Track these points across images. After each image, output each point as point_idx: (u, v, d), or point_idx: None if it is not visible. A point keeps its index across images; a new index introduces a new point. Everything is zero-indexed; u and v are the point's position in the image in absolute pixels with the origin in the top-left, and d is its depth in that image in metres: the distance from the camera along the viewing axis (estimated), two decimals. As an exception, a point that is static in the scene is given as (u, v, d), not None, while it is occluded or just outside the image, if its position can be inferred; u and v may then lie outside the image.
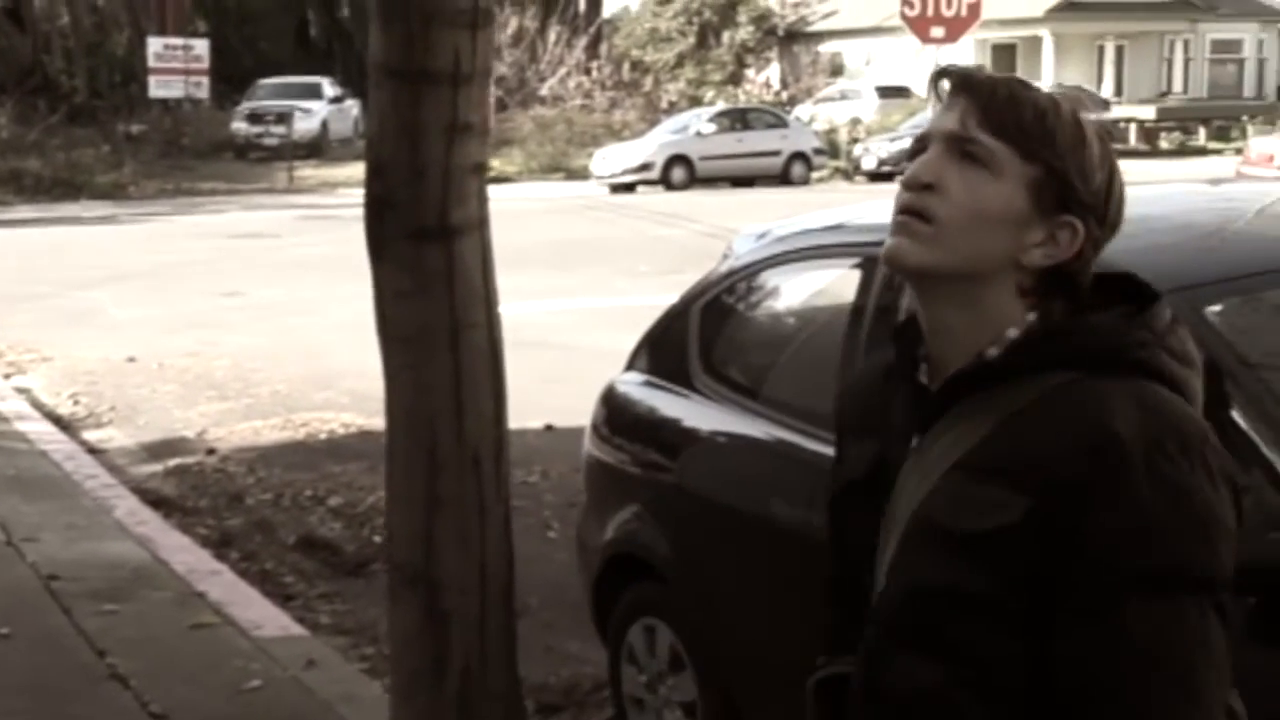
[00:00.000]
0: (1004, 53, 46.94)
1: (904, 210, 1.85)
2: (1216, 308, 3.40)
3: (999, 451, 1.79)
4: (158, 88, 37.66)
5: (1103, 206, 1.86)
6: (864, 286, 4.13)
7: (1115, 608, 1.71)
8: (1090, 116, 1.88)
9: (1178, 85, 48.89)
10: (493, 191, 4.18)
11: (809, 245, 4.64)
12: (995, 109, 1.83)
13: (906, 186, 1.85)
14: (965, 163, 1.83)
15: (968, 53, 41.01)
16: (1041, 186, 1.82)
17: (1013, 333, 1.84)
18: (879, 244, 4.06)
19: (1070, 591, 1.73)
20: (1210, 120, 43.14)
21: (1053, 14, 45.64)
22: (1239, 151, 30.12)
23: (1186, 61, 49.18)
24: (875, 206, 5.25)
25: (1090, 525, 1.72)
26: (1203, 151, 38.97)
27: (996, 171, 1.82)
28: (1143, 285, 1.89)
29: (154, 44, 38.06)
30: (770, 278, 4.83)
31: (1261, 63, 49.74)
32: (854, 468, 2.00)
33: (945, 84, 1.89)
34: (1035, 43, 45.94)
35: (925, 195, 1.83)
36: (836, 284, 4.50)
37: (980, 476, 1.79)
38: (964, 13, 20.47)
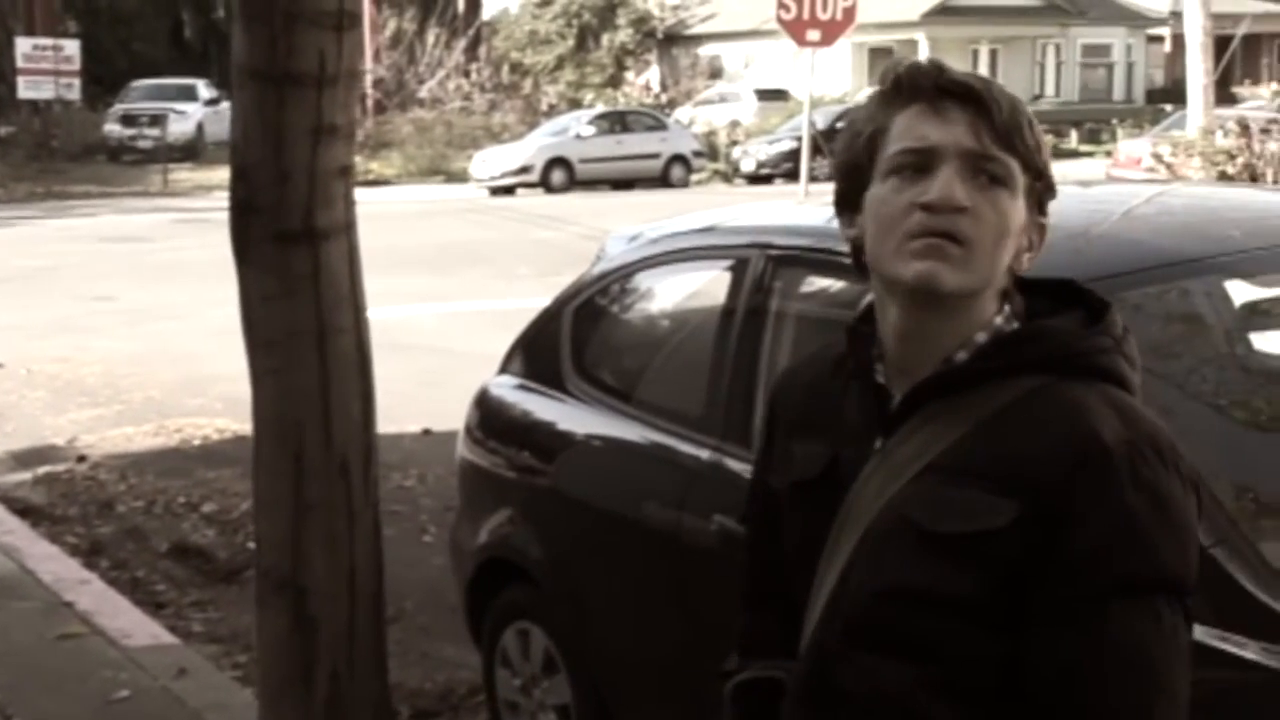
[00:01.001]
0: (880, 56, 47.35)
1: (934, 233, 1.80)
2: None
3: (979, 454, 1.80)
4: (27, 89, 36.89)
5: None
6: (735, 288, 4.14)
7: (1098, 611, 1.74)
8: None
9: (1050, 89, 49.67)
10: (371, 194, 4.16)
11: (681, 247, 4.65)
12: (1004, 123, 1.82)
13: (935, 209, 1.80)
14: (985, 181, 1.82)
15: (844, 56, 41.45)
16: (1032, 193, 1.87)
17: (981, 337, 1.86)
18: (750, 246, 4.14)
19: (1050, 594, 1.75)
20: (1081, 123, 43.86)
21: (928, 18, 46.19)
22: (1109, 154, 30.65)
23: (1058, 65, 50.00)
24: (746, 208, 5.27)
25: (1075, 530, 1.75)
26: (1074, 154, 39.57)
27: (1011, 188, 1.83)
28: (1085, 290, 1.94)
29: (22, 44, 37.27)
30: (643, 280, 4.83)
31: (1130, 67, 50.67)
32: (805, 468, 1.98)
33: (919, 86, 1.85)
34: (911, 46, 46.40)
35: (959, 219, 1.80)
36: (708, 286, 4.51)
37: (959, 479, 1.80)
38: (839, 16, 20.58)
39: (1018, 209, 1.84)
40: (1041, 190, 1.88)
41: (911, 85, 1.86)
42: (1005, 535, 1.76)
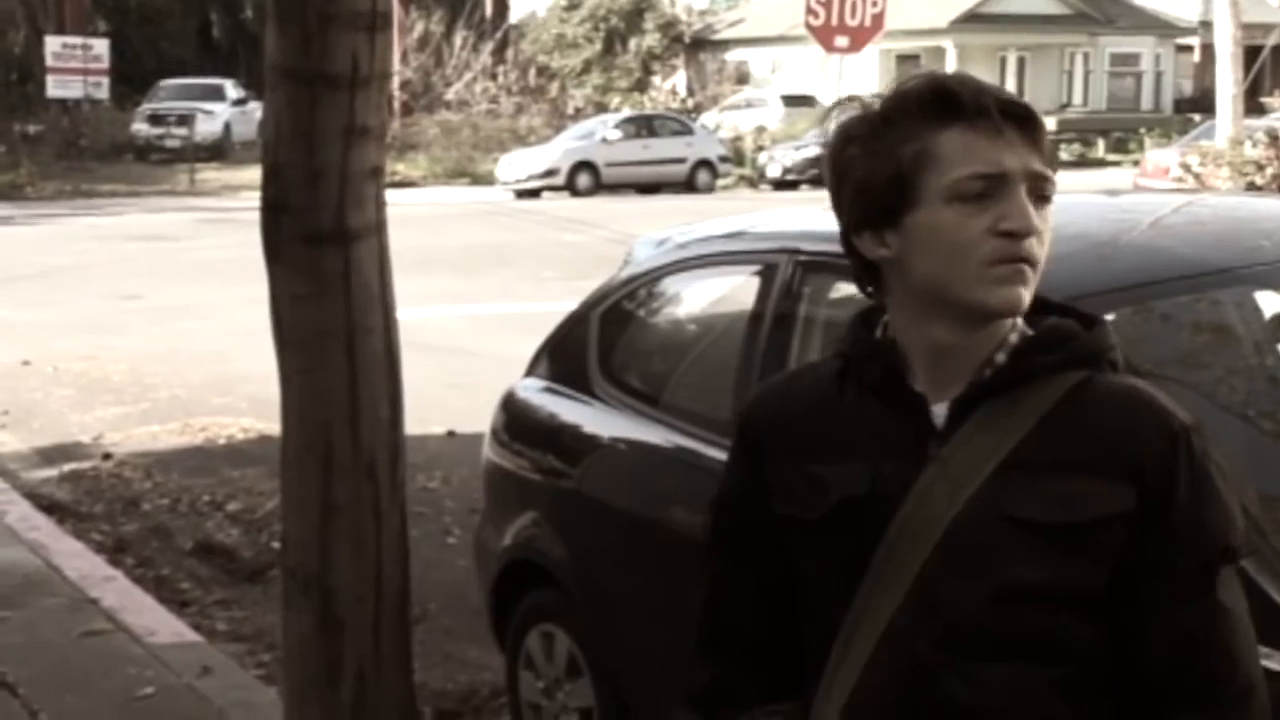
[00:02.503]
0: (908, 63, 47.24)
1: (1016, 259, 1.83)
2: (1109, 316, 3.44)
3: (1069, 445, 1.85)
4: (56, 87, 37.09)
5: None
6: (763, 294, 4.14)
7: (1209, 580, 1.85)
8: None
9: (1077, 97, 49.53)
10: (397, 196, 4.16)
11: (709, 252, 4.66)
12: (1044, 140, 1.87)
13: (1022, 235, 1.82)
14: (1041, 202, 1.85)
15: (872, 63, 41.36)
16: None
17: (1013, 338, 1.90)
18: (778, 251, 4.14)
19: (1164, 571, 1.84)
20: (1109, 132, 43.74)
21: (956, 25, 46.10)
22: (1136, 163, 30.57)
23: (1086, 74, 49.85)
24: (775, 214, 5.28)
25: (1177, 507, 1.83)
26: (1101, 163, 39.47)
27: (1051, 202, 1.87)
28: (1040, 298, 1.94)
29: (52, 43, 37.47)
30: (670, 284, 4.83)
31: (1159, 76, 50.51)
32: (849, 487, 1.90)
33: (983, 106, 1.83)
34: (939, 53, 46.36)
35: (1032, 243, 1.84)
36: (736, 291, 4.52)
37: (1058, 471, 1.83)
38: (868, 23, 20.59)
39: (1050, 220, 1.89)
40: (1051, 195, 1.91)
41: (976, 105, 1.83)
42: (1125, 519, 1.83)
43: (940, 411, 1.89)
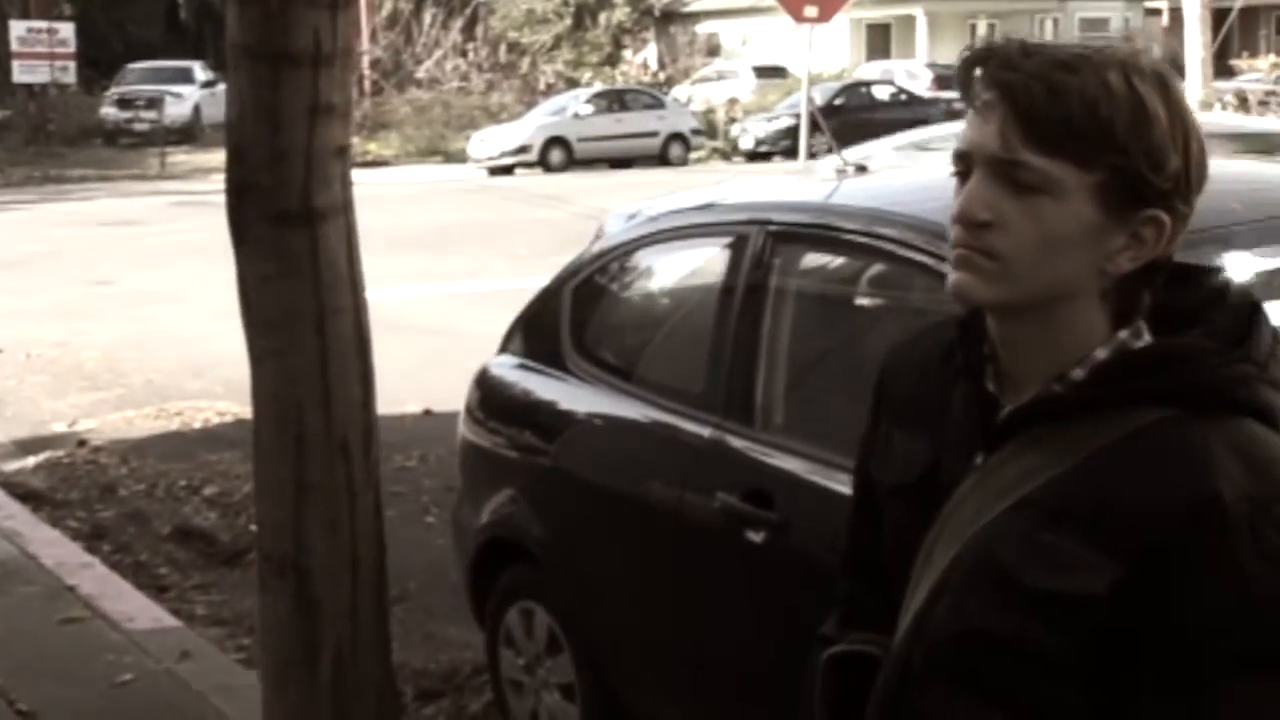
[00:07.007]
0: (878, 31, 47.31)
1: (964, 246, 1.65)
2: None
3: (1081, 497, 1.62)
4: (22, 73, 36.85)
5: (1185, 184, 1.65)
6: (734, 265, 4.13)
7: (1206, 688, 1.58)
8: (1150, 74, 1.64)
9: (1048, 63, 49.51)
10: (370, 175, 4.16)
11: (680, 225, 4.64)
12: (1037, 116, 1.59)
13: (960, 224, 1.65)
14: (1018, 191, 1.62)
15: (842, 32, 41.36)
16: (1110, 190, 1.62)
17: (1101, 353, 1.67)
18: (749, 222, 4.13)
19: (1155, 664, 1.60)
20: (1080, 97, 43.72)
21: (925, -8, 46.13)
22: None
23: (1056, 39, 49.48)
24: (744, 184, 5.27)
25: (1185, 596, 1.58)
26: (1073, 128, 39.51)
27: (1056, 194, 1.61)
28: (1228, 285, 1.74)
29: (16, 27, 37.21)
30: (642, 258, 4.82)
31: (1128, 40, 50.53)
32: (904, 471, 1.83)
33: (978, 75, 1.65)
34: (909, 21, 46.37)
35: (984, 234, 1.63)
36: (708, 263, 4.50)
37: (1056, 522, 1.62)
38: (837, -8, 20.55)
39: (1064, 214, 1.62)
40: (1131, 185, 1.62)
41: (961, 77, 1.68)
42: (1100, 599, 1.59)
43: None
